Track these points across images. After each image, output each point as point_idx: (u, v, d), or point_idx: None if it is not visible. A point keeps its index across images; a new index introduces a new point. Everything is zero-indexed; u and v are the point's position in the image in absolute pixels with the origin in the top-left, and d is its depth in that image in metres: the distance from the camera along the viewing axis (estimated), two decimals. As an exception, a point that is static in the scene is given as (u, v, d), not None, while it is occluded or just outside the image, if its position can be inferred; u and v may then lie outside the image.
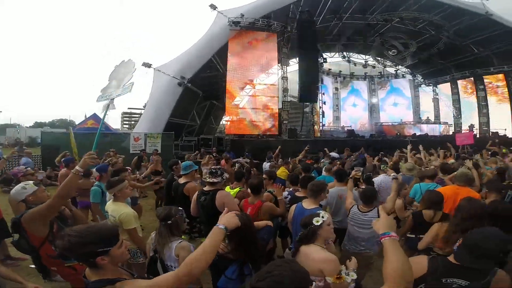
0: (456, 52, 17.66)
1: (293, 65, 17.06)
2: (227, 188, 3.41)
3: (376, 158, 6.28)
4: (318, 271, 1.57)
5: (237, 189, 3.44)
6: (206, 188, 2.70)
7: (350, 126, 19.41)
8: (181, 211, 2.05)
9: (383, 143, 12.33)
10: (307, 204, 2.48)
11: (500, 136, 15.23)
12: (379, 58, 20.28)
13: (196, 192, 2.84)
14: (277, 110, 13.00)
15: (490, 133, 16.69)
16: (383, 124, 19.42)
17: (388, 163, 5.48)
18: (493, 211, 2.01)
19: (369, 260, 2.67)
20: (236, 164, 6.57)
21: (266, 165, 6.60)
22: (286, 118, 13.08)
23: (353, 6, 14.18)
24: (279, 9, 12.99)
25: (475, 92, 18.62)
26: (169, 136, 10.35)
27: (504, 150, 8.67)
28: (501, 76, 17.47)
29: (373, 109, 22.65)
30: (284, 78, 13.44)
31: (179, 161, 4.35)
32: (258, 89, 13.12)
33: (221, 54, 12.25)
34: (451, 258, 1.38)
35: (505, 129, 16.61)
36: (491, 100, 18.04)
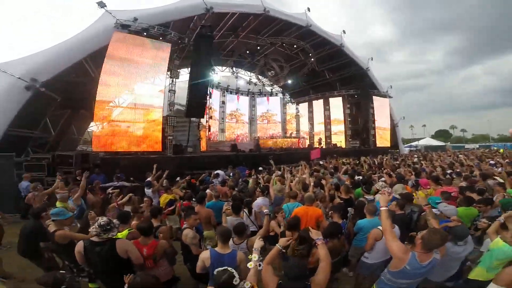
0: (315, 76, 22.21)
1: (184, 75, 16.59)
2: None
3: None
4: None
5: (125, 232, 3.13)
6: (94, 239, 2.58)
7: (234, 140, 20.89)
8: (67, 273, 2.02)
9: (260, 158, 13.25)
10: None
11: (338, 147, 20.77)
12: (260, 77, 23.23)
13: (81, 243, 2.65)
14: (161, 124, 12.08)
15: (332, 145, 22.03)
16: (260, 138, 21.48)
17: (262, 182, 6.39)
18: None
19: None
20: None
21: (148, 192, 6.03)
22: (171, 134, 12.48)
23: (251, 26, 15.53)
24: (181, 20, 12.45)
25: (323, 111, 23.70)
26: (8, 158, 7.77)
27: (340, 161, 11.70)
28: (340, 98, 22.43)
29: (252, 123, 25.49)
30: (172, 91, 12.81)
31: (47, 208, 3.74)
32: (139, 99, 11.80)
33: (97, 57, 10.35)
34: None
35: (340, 141, 22.33)
36: (333, 118, 23.18)
